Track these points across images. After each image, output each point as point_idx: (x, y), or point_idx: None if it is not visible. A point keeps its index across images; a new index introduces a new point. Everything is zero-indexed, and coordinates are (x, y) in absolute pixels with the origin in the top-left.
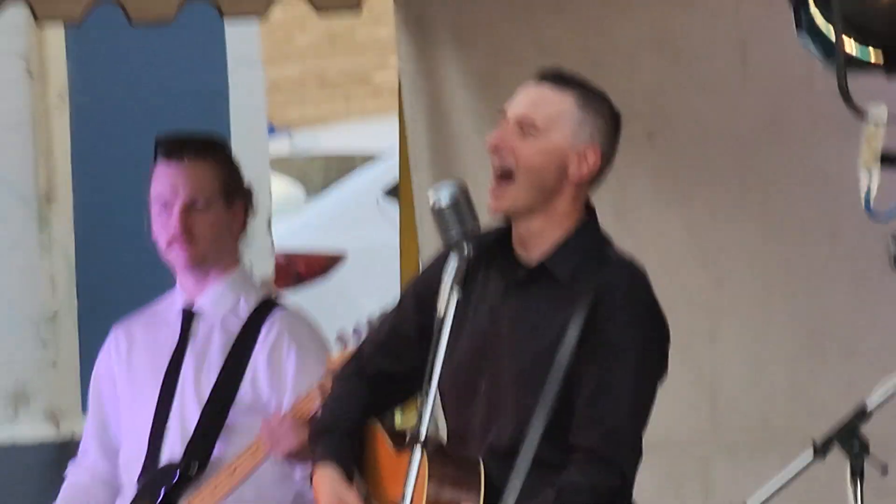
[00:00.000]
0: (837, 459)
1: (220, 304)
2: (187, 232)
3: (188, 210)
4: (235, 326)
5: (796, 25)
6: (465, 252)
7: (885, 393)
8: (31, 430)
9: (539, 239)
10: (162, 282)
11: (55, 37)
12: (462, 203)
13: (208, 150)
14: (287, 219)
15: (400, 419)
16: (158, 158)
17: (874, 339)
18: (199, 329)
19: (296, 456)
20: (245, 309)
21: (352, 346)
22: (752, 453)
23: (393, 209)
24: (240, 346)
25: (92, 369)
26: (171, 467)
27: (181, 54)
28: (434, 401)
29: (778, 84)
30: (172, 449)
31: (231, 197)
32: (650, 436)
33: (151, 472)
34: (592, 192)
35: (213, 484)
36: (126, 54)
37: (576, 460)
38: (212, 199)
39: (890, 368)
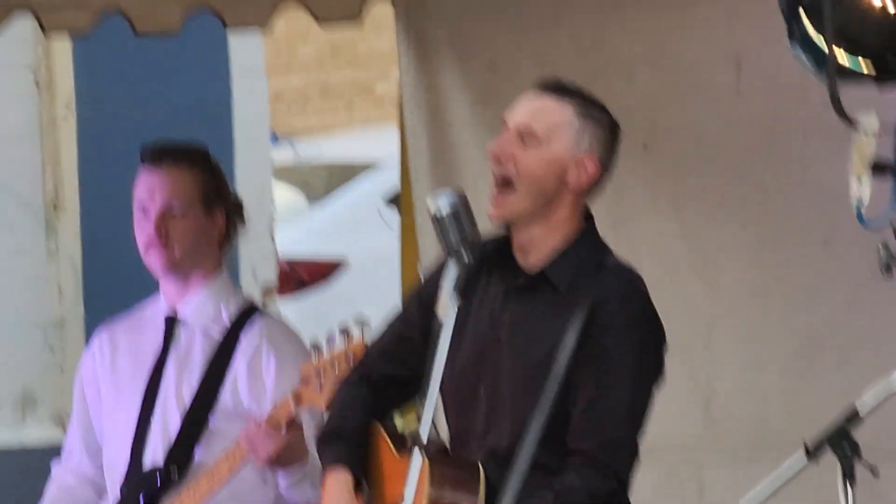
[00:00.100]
0: (829, 462)
1: (201, 311)
2: (164, 236)
3: (165, 215)
4: (217, 333)
5: (789, 37)
6: (465, 259)
7: (875, 396)
8: (38, 433)
9: (538, 246)
10: None
11: (62, 48)
12: (461, 211)
13: (187, 158)
14: (290, 226)
15: (400, 422)
16: (141, 166)
17: (867, 344)
18: (182, 335)
19: (276, 462)
20: (226, 316)
21: (325, 354)
22: (747, 457)
23: (393, 216)
24: (221, 352)
25: None
26: (152, 472)
27: (186, 65)
28: (435, 404)
29: (771, 95)
30: (154, 453)
31: (210, 204)
32: (646, 439)
33: (134, 476)
34: (591, 200)
35: (192, 488)
36: (132, 65)
37: (573, 464)
38: (189, 205)
39: (880, 373)
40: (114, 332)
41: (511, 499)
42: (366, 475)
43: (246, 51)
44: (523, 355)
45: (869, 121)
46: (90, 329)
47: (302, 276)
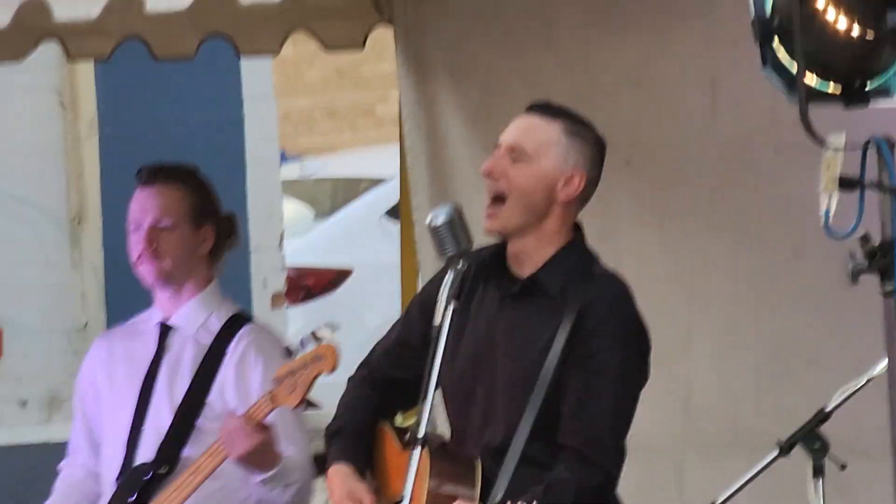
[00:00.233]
0: (800, 458)
1: (193, 319)
2: (154, 249)
3: (155, 229)
4: (207, 340)
5: (762, 61)
6: (460, 267)
7: (844, 397)
8: (63, 430)
9: (531, 256)
10: None
11: (85, 72)
12: (457, 223)
13: (177, 177)
14: (298, 237)
15: (401, 419)
16: (136, 185)
17: (834, 348)
18: (174, 342)
19: (249, 460)
20: (216, 324)
21: (300, 358)
22: (723, 454)
23: (395, 228)
24: (210, 357)
25: None
26: (144, 467)
27: (200, 88)
28: (432, 403)
29: (745, 116)
30: (147, 451)
31: (199, 220)
32: (630, 438)
33: (128, 471)
34: (580, 212)
35: (179, 482)
36: (150, 88)
37: (564, 459)
38: (178, 220)
39: (848, 375)
40: (111, 341)
41: (502, 489)
42: (373, 469)
43: (256, 75)
44: (517, 357)
45: (836, 139)
46: None
47: (309, 284)
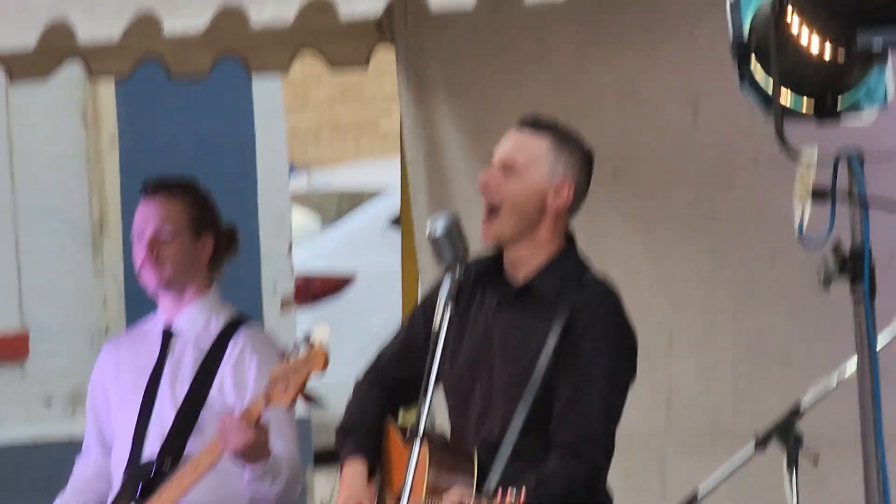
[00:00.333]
0: (776, 452)
1: (193, 323)
2: (155, 257)
3: (156, 239)
4: (206, 343)
5: (740, 80)
6: (457, 274)
7: (816, 394)
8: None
9: (525, 263)
10: None
11: (106, 90)
12: (455, 232)
13: (178, 190)
14: (305, 245)
15: (402, 416)
16: (140, 197)
17: (806, 349)
18: (176, 346)
19: (244, 454)
20: (216, 327)
21: (292, 360)
22: (703, 447)
23: (396, 237)
24: (210, 359)
25: None
26: (149, 463)
27: (214, 105)
28: (431, 400)
29: (725, 130)
30: (152, 448)
31: (198, 229)
32: (616, 433)
33: (133, 467)
34: (571, 220)
35: (180, 477)
36: (167, 105)
37: (555, 453)
38: (178, 230)
39: (820, 374)
40: (118, 346)
41: (495, 479)
42: (380, 463)
43: (266, 92)
44: (512, 358)
45: (810, 153)
46: None
47: (316, 289)
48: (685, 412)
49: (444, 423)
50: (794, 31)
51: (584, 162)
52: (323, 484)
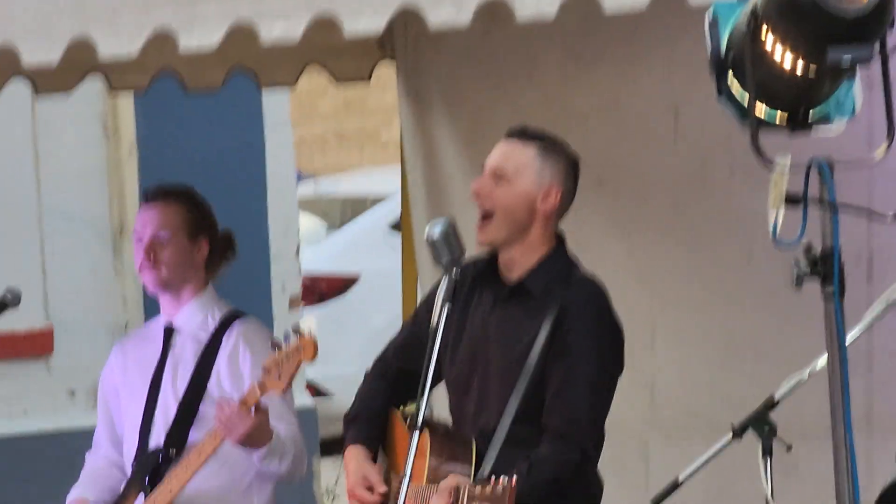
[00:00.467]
0: (752, 440)
1: (192, 320)
2: (152, 259)
3: (154, 242)
4: (204, 337)
5: (718, 93)
6: (454, 274)
7: (789, 387)
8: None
9: (518, 263)
10: None
11: (126, 102)
12: (451, 236)
13: (175, 196)
14: (312, 248)
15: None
16: (140, 203)
17: (781, 344)
18: (177, 342)
19: (247, 440)
20: (213, 323)
21: (284, 350)
22: (683, 436)
23: (397, 240)
24: (207, 352)
25: None
26: (155, 452)
27: (226, 116)
28: (430, 392)
29: (703, 140)
30: (158, 438)
31: (194, 233)
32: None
33: (141, 456)
34: (560, 222)
35: (185, 464)
36: (182, 116)
37: (545, 439)
38: (175, 234)
39: (793, 367)
40: (125, 346)
41: (489, 466)
42: (386, 451)
43: (275, 104)
44: (506, 352)
45: (783, 162)
46: None
47: (322, 289)
48: (666, 403)
49: (444, 416)
50: (769, 48)
51: (569, 167)
52: (329, 471)
